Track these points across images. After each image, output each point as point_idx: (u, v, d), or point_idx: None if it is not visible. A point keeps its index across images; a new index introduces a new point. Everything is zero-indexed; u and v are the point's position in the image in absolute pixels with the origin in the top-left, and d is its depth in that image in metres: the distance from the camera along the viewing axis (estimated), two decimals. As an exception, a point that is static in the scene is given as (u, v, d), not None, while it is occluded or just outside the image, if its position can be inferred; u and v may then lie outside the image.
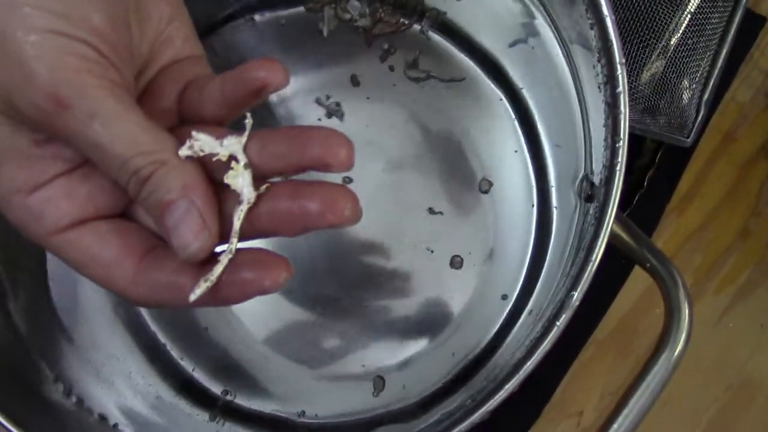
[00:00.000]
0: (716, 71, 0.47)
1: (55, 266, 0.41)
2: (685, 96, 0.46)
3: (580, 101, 0.38)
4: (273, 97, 0.46)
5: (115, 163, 0.23)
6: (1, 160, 0.24)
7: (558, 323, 0.30)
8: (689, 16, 0.45)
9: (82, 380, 0.38)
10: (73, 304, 0.41)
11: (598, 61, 0.34)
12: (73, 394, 0.38)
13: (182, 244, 0.23)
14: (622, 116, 0.32)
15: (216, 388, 0.44)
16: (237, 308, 0.44)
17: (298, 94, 0.46)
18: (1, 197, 0.25)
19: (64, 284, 0.41)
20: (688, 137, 0.47)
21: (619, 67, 0.32)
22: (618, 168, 0.32)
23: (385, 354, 0.44)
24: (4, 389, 0.33)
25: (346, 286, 0.45)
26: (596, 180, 0.35)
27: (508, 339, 0.43)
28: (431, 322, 0.44)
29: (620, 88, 0.32)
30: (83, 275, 0.26)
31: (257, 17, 0.46)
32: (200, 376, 0.44)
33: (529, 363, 0.29)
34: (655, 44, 0.45)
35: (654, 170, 0.50)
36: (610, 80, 0.33)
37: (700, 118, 0.47)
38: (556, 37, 0.40)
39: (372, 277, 0.45)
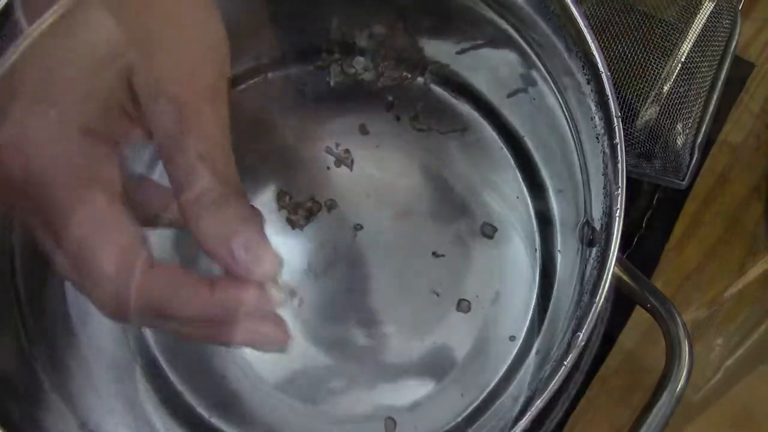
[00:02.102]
0: (708, 116, 0.48)
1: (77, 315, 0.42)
2: (679, 140, 0.47)
3: (578, 149, 0.39)
4: (289, 143, 0.48)
5: None
6: None
7: (566, 363, 0.30)
8: (680, 65, 0.45)
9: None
10: (94, 355, 0.42)
11: (595, 113, 0.35)
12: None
13: None
14: (619, 166, 0.33)
15: (232, 432, 0.44)
16: (250, 354, 0.45)
17: (309, 143, 0.48)
18: None
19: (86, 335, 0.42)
20: (683, 180, 0.48)
21: (615, 120, 0.33)
22: (617, 215, 0.32)
23: (396, 396, 0.44)
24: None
25: (355, 330, 0.45)
26: (597, 225, 0.35)
27: (516, 379, 0.43)
28: (440, 364, 0.45)
29: (617, 140, 0.33)
30: None
31: (270, 74, 0.48)
32: (217, 421, 0.44)
33: (539, 401, 0.30)
34: (649, 92, 0.45)
35: (652, 212, 0.50)
36: (607, 132, 0.34)
37: (694, 161, 0.47)
38: (553, 90, 0.40)
39: (380, 321, 0.45)
